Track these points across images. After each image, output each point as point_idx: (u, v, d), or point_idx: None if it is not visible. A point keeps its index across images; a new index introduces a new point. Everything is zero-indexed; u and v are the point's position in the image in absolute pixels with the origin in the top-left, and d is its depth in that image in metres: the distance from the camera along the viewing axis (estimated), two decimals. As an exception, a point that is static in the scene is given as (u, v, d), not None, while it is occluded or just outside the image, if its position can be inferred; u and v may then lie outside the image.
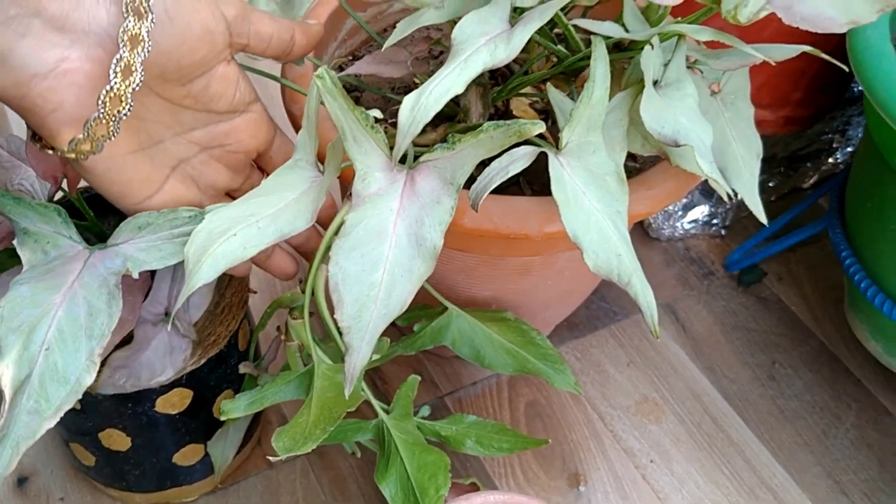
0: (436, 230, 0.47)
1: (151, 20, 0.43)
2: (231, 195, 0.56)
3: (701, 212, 0.98)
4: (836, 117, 0.98)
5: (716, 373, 0.87)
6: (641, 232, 1.00)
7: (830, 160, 1.02)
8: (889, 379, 0.86)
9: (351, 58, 0.80)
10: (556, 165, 0.50)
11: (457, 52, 0.49)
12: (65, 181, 0.57)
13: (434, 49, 0.71)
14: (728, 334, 0.91)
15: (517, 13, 0.55)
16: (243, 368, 0.62)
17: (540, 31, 0.61)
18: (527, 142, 0.50)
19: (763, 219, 0.58)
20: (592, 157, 0.50)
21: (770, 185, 1.00)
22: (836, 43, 0.67)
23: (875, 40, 0.66)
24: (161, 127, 0.49)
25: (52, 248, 0.47)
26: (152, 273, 0.55)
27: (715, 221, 0.99)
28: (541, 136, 0.63)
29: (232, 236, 0.48)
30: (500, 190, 0.67)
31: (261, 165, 0.57)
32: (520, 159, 0.50)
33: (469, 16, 0.50)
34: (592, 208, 0.49)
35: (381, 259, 0.46)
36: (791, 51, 0.58)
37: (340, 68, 0.78)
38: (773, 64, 0.53)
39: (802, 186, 1.03)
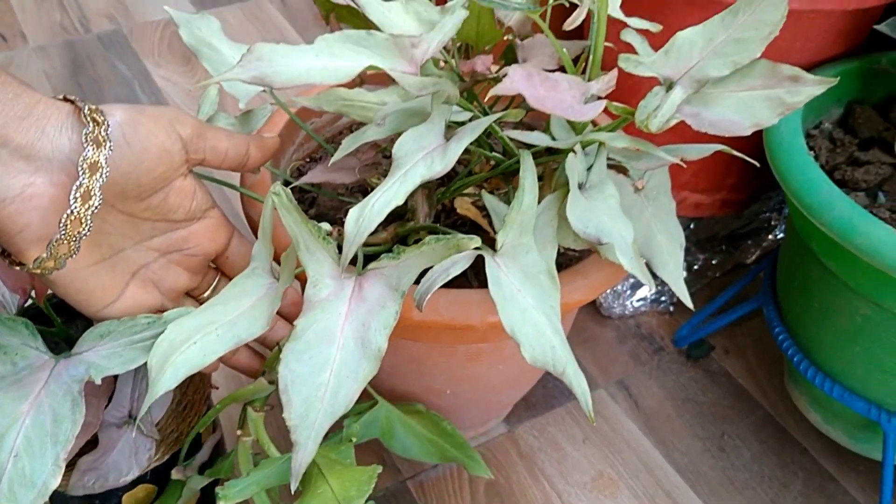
0: (381, 333, 0.51)
1: (109, 147, 0.47)
2: (191, 294, 0.60)
3: (648, 290, 1.03)
4: (771, 197, 1.03)
5: (668, 446, 0.91)
6: (594, 311, 1.04)
7: (770, 237, 1.08)
8: (831, 446, 0.90)
9: (308, 160, 0.84)
10: (492, 266, 0.54)
11: (397, 167, 0.54)
12: (34, 291, 0.60)
13: (385, 152, 0.76)
14: (678, 408, 0.95)
15: (454, 126, 0.60)
16: (175, 474, 0.64)
17: (477, 141, 0.66)
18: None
19: (689, 303, 0.63)
20: (526, 258, 0.55)
21: (713, 262, 1.05)
22: (757, 133, 0.72)
23: (788, 135, 0.72)
24: (122, 238, 0.53)
25: (20, 360, 0.51)
26: (115, 377, 0.58)
27: (663, 299, 1.04)
28: (480, 232, 0.68)
29: (192, 345, 0.51)
30: (449, 282, 0.72)
31: (219, 266, 0.61)
32: (459, 262, 0.54)
33: (408, 133, 0.55)
34: (527, 305, 0.53)
35: (329, 361, 0.50)
36: (705, 150, 0.63)
37: (299, 171, 0.83)
38: (685, 165, 0.58)
39: (746, 262, 1.08)
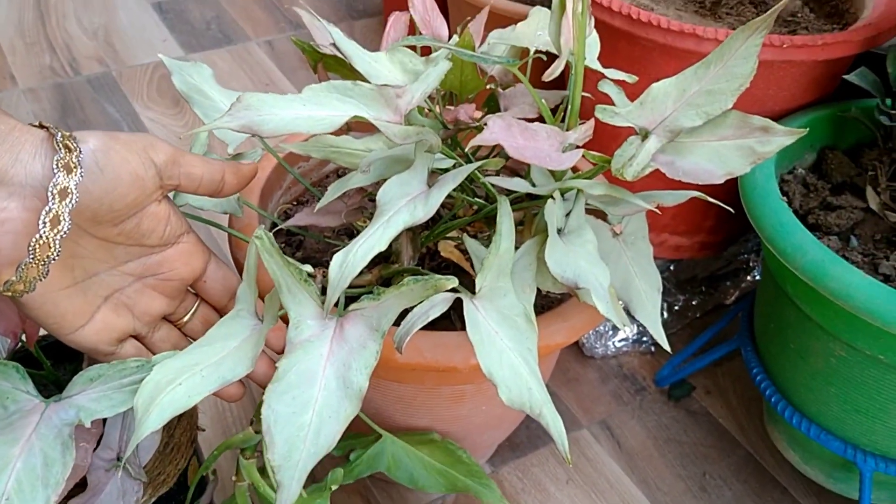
0: (362, 374, 0.52)
1: (80, 173, 0.48)
2: (169, 319, 0.60)
3: (630, 330, 1.04)
4: (749, 239, 1.06)
5: (650, 486, 0.92)
6: (577, 351, 1.06)
7: (749, 278, 1.10)
8: (810, 486, 0.91)
9: (295, 203, 0.86)
10: (470, 309, 0.55)
11: (381, 213, 0.55)
12: (24, 335, 0.61)
13: (372, 195, 0.78)
14: (661, 448, 0.96)
15: (438, 172, 0.62)
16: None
17: (460, 186, 0.68)
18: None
19: (666, 346, 0.64)
20: (503, 300, 0.56)
21: (694, 303, 1.07)
22: (733, 179, 0.74)
23: (761, 181, 0.74)
24: (96, 262, 0.53)
25: (11, 403, 0.52)
26: (103, 420, 0.59)
27: (644, 339, 1.05)
28: (464, 275, 0.69)
29: (178, 386, 0.52)
30: (433, 324, 0.73)
31: (197, 291, 0.61)
32: (438, 305, 0.55)
33: (391, 180, 0.57)
34: (504, 347, 0.55)
35: (311, 401, 0.51)
36: (681, 196, 0.65)
37: (286, 213, 0.84)
38: (660, 212, 0.60)
39: (725, 303, 1.10)
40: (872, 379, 0.71)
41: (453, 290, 0.58)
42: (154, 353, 0.57)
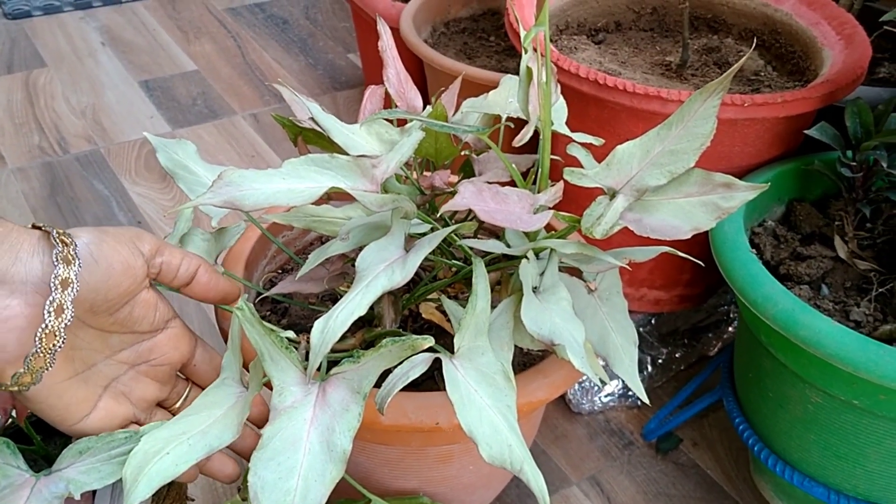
0: (345, 436, 0.53)
1: (78, 264, 0.51)
2: (162, 405, 0.63)
3: (616, 385, 1.05)
4: (728, 291, 1.08)
5: (641, 541, 0.92)
6: (564, 408, 1.07)
7: (730, 329, 1.11)
8: (800, 534, 0.91)
9: (280, 271, 0.88)
10: (450, 368, 0.57)
11: (360, 279, 0.57)
12: (14, 411, 0.62)
13: (351, 264, 0.80)
14: (650, 502, 0.96)
15: (416, 237, 0.64)
16: None
17: (438, 249, 0.70)
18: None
19: (644, 398, 0.65)
20: (482, 359, 0.58)
21: (677, 355, 1.08)
22: (704, 234, 0.77)
23: (731, 234, 0.77)
24: (93, 352, 0.56)
25: (2, 478, 0.53)
26: (93, 493, 0.60)
27: (631, 393, 1.06)
28: (446, 336, 0.71)
29: (165, 455, 0.53)
30: (417, 385, 0.74)
31: (187, 375, 0.64)
32: (418, 366, 0.57)
33: (369, 246, 0.59)
34: (484, 405, 0.56)
35: (297, 466, 0.52)
36: (651, 252, 0.67)
37: (271, 282, 0.86)
38: (630, 268, 0.62)
39: (709, 354, 1.12)
40: (849, 424, 0.72)
41: (432, 350, 0.59)
42: None
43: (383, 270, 0.58)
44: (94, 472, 0.53)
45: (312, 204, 0.67)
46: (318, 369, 0.57)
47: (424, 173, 0.74)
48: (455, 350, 0.58)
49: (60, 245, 0.51)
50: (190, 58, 1.85)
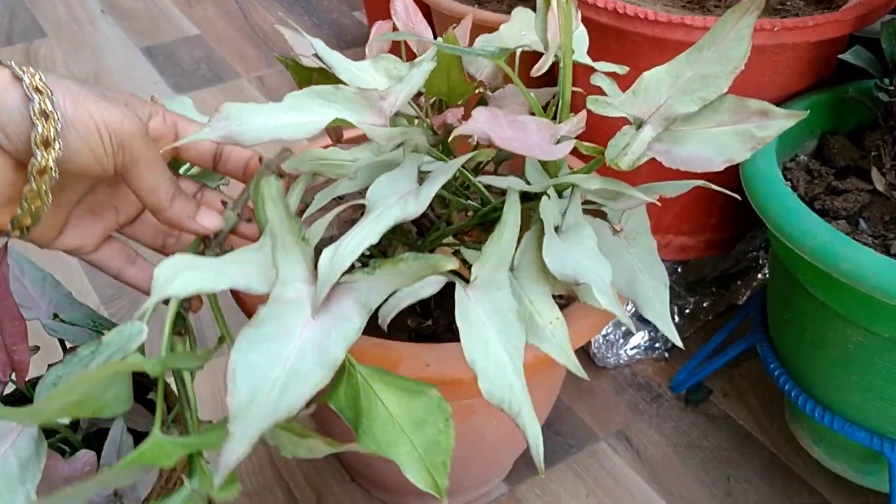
0: (339, 345, 0.47)
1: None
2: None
3: (641, 337, 1.02)
4: (756, 236, 1.03)
5: (673, 495, 0.89)
6: (588, 362, 1.03)
7: (759, 276, 1.07)
8: (839, 483, 0.88)
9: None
10: (462, 296, 0.53)
11: (371, 210, 0.53)
12: (14, 374, 0.59)
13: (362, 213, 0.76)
14: (681, 455, 0.93)
15: (425, 175, 0.60)
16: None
17: (452, 190, 0.67)
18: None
19: (678, 342, 0.62)
20: (497, 293, 0.54)
21: (704, 304, 1.04)
22: (735, 169, 0.73)
23: (763, 168, 0.73)
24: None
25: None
26: (98, 456, 0.57)
27: (657, 345, 1.03)
28: (457, 274, 0.67)
29: (200, 268, 0.48)
30: (437, 338, 0.71)
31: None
32: (429, 285, 0.53)
33: (380, 178, 0.55)
34: (492, 338, 0.52)
35: (283, 359, 0.46)
36: (683, 187, 0.63)
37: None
38: (660, 203, 0.58)
39: (738, 303, 1.08)
40: (892, 363, 0.68)
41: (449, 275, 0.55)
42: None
43: (396, 202, 0.54)
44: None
45: (320, 148, 0.64)
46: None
47: (435, 115, 0.71)
48: (471, 279, 0.54)
49: (28, 75, 0.47)
50: (192, 22, 1.80)
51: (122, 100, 0.53)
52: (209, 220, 0.56)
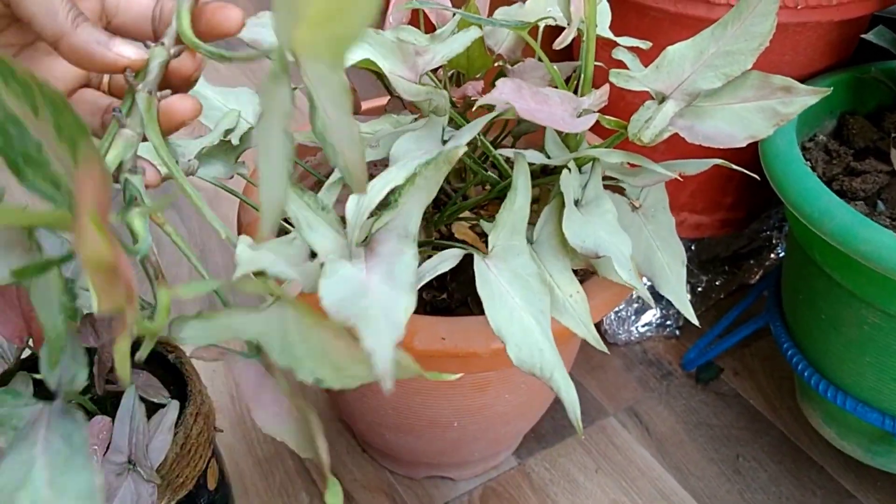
0: (406, 273, 0.45)
1: None
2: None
3: (653, 315, 1.02)
4: (771, 215, 1.03)
5: (682, 471, 0.89)
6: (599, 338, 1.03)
7: (772, 255, 1.07)
8: (848, 462, 0.88)
9: (304, 197, 0.84)
10: (481, 266, 0.53)
11: (395, 161, 0.53)
12: (30, 339, 0.59)
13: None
14: (691, 432, 0.93)
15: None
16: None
17: (472, 160, 0.66)
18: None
19: (694, 320, 0.62)
20: (517, 260, 0.54)
21: (717, 283, 1.04)
22: (753, 149, 0.72)
23: (783, 147, 0.72)
24: None
25: (17, 422, 0.50)
26: (111, 423, 0.57)
27: (668, 323, 1.03)
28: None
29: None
30: (451, 312, 0.71)
31: None
32: (448, 259, 0.53)
33: (405, 136, 0.55)
34: (516, 305, 0.52)
35: (366, 293, 0.45)
36: (703, 165, 0.63)
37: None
38: (681, 178, 0.58)
39: (749, 282, 1.07)
40: (909, 345, 0.68)
41: (467, 247, 0.55)
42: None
43: (421, 156, 0.53)
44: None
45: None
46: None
47: (454, 87, 0.70)
48: (489, 249, 0.54)
49: None
50: (204, -10, 1.79)
51: None
52: (128, 48, 0.42)
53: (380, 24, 0.68)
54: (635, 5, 0.78)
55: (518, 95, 0.51)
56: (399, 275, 0.45)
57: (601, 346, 0.56)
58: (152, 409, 0.60)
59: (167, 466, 0.61)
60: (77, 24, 0.41)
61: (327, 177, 0.83)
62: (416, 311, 0.55)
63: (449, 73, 0.71)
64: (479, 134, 0.68)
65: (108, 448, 0.56)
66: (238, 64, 1.56)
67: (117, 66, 0.41)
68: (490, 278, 0.52)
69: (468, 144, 0.59)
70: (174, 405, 0.60)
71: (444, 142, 0.55)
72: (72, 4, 0.41)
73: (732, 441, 0.92)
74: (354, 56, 0.50)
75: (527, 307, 0.52)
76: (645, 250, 0.63)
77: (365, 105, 0.79)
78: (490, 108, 0.57)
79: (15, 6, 0.40)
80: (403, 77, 0.52)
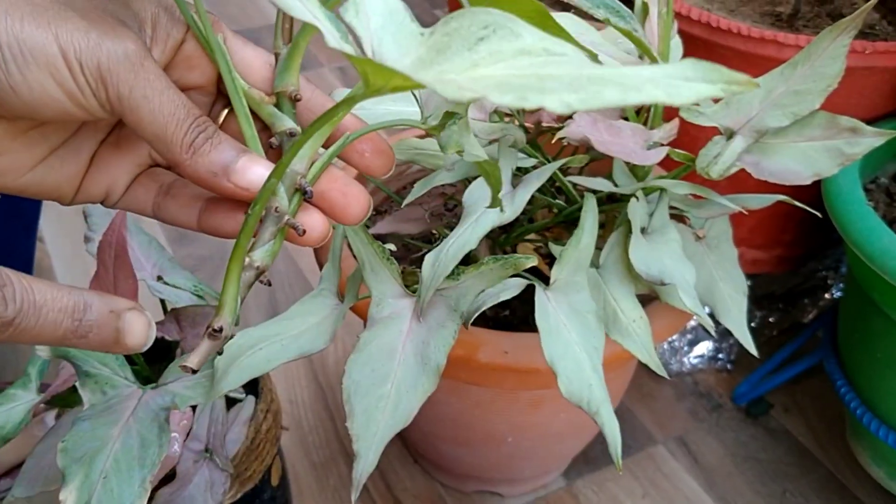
0: (440, 351, 0.52)
1: None
2: None
3: (706, 347, 1.03)
4: (828, 255, 1.04)
5: (728, 503, 0.90)
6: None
7: (827, 296, 1.08)
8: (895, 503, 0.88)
9: (374, 212, 0.87)
10: (541, 298, 0.55)
11: (468, 214, 0.56)
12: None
13: (448, 203, 0.79)
14: (739, 465, 0.94)
15: (520, 172, 0.63)
16: None
17: (540, 189, 0.69)
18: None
19: (753, 351, 0.63)
20: (577, 295, 0.56)
21: (770, 320, 1.05)
22: (814, 188, 0.74)
23: (846, 187, 0.73)
24: None
25: (109, 389, 0.53)
26: (192, 412, 0.60)
27: (721, 356, 1.04)
28: (539, 275, 0.70)
29: (258, 350, 0.53)
30: (514, 328, 0.73)
31: None
32: (510, 288, 0.56)
33: (477, 182, 0.58)
34: (571, 340, 0.55)
35: (390, 374, 0.51)
36: (766, 200, 0.64)
37: (365, 224, 0.86)
38: (747, 212, 0.60)
39: (803, 321, 1.08)
40: (965, 388, 0.69)
41: (528, 278, 0.58)
42: None
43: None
44: (199, 388, 0.54)
45: (416, 138, 0.67)
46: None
47: (527, 113, 0.73)
48: (551, 282, 0.57)
49: None
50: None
51: (135, 15, 0.38)
52: (254, 172, 0.38)
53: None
54: (706, 43, 0.80)
55: (594, 129, 0.53)
56: (432, 354, 0.51)
57: (661, 371, 0.58)
58: (229, 403, 0.64)
59: (238, 458, 0.64)
60: (193, 152, 0.38)
61: (400, 190, 0.87)
62: (480, 325, 0.59)
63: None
64: (549, 158, 0.71)
65: (187, 435, 0.59)
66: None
67: (236, 196, 0.38)
68: (549, 310, 0.54)
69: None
70: (250, 400, 0.64)
71: (515, 182, 0.58)
72: (191, 123, 0.37)
73: (780, 476, 0.93)
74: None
75: (581, 343, 0.54)
76: (706, 280, 0.65)
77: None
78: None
79: (134, 126, 0.37)
80: (475, 118, 0.56)
